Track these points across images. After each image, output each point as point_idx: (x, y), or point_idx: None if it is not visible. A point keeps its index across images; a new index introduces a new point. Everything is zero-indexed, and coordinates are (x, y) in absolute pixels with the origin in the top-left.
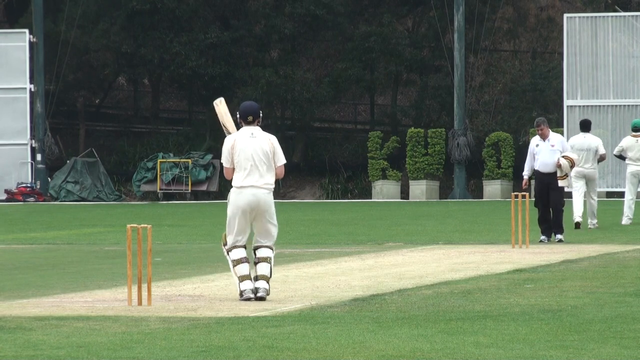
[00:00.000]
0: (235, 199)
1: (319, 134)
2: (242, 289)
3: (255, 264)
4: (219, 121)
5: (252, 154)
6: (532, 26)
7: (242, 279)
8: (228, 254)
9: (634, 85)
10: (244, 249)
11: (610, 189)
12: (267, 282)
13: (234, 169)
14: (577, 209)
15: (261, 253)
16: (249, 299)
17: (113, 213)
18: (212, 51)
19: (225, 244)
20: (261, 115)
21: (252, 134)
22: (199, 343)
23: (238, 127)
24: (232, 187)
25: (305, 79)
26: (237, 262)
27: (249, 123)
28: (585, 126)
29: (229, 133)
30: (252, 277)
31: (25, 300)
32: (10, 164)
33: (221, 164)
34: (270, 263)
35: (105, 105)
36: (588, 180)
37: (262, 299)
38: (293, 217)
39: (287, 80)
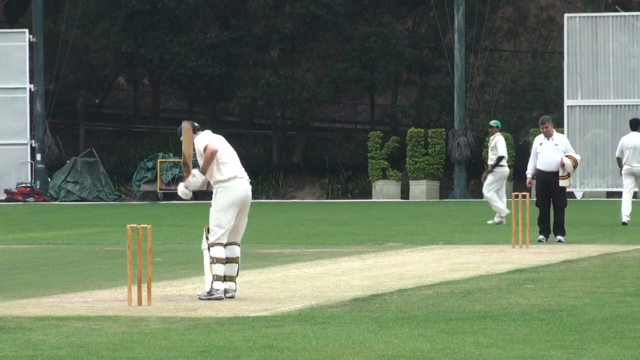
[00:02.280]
0: (229, 193)
1: (319, 134)
2: (215, 287)
3: (224, 263)
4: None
5: (229, 149)
6: (532, 26)
7: (217, 278)
8: (209, 248)
9: (634, 85)
10: (224, 249)
11: (610, 189)
12: (235, 282)
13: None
14: (625, 209)
15: (232, 252)
16: (219, 299)
17: (113, 213)
18: (212, 51)
19: (207, 237)
20: None
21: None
22: (199, 343)
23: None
24: (219, 181)
25: (305, 79)
26: (217, 261)
27: (199, 130)
28: (635, 125)
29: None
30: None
31: (25, 300)
32: (10, 164)
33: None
34: (239, 263)
35: (105, 105)
36: (637, 177)
37: (232, 298)
38: (293, 217)
39: (287, 80)
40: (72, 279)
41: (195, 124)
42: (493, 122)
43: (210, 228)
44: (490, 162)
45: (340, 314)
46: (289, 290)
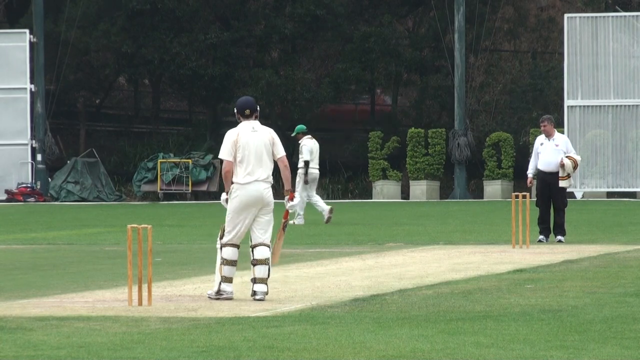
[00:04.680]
0: (240, 194)
1: (319, 134)
2: (222, 288)
3: (254, 265)
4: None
5: (255, 149)
6: (533, 26)
7: (225, 279)
8: (221, 249)
9: (635, 85)
10: (237, 250)
11: (610, 189)
12: (266, 284)
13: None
14: None
15: (259, 254)
16: (228, 299)
17: (113, 213)
18: (212, 52)
19: (221, 237)
20: (258, 109)
21: (253, 128)
22: (200, 343)
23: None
24: (232, 182)
25: (306, 79)
26: (227, 263)
27: (247, 117)
28: None
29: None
30: (250, 278)
31: (26, 301)
32: (11, 164)
33: (220, 160)
34: (268, 264)
35: (105, 106)
36: None
37: (261, 300)
38: (293, 217)
39: (288, 80)
40: (72, 279)
41: (246, 111)
42: (297, 128)
43: (225, 228)
44: (299, 167)
45: (340, 314)
46: (290, 291)
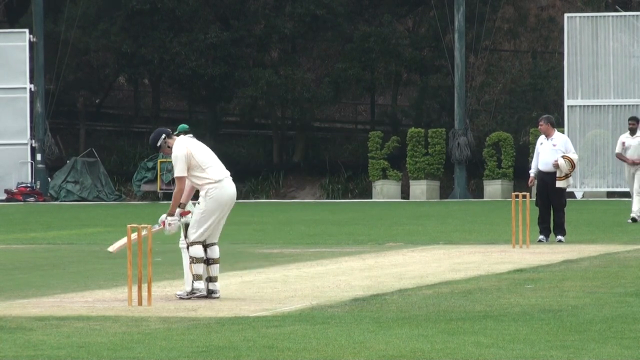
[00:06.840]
0: (218, 193)
1: (319, 134)
2: (195, 287)
3: (209, 264)
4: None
5: (209, 153)
6: (533, 26)
7: (197, 277)
8: (188, 248)
9: (635, 85)
10: (202, 248)
11: (610, 189)
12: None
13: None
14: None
15: (213, 253)
16: (202, 297)
17: (113, 213)
18: (212, 51)
19: (186, 236)
20: None
21: (193, 139)
22: (199, 343)
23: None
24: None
25: (305, 79)
26: (197, 260)
27: (185, 133)
28: None
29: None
30: (205, 277)
31: (26, 300)
32: (11, 164)
33: (173, 179)
34: (219, 263)
35: (105, 105)
36: None
37: (217, 298)
38: (293, 217)
39: (287, 80)
40: (72, 279)
41: (169, 130)
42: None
43: (191, 225)
44: None
45: (340, 314)
46: (290, 290)
